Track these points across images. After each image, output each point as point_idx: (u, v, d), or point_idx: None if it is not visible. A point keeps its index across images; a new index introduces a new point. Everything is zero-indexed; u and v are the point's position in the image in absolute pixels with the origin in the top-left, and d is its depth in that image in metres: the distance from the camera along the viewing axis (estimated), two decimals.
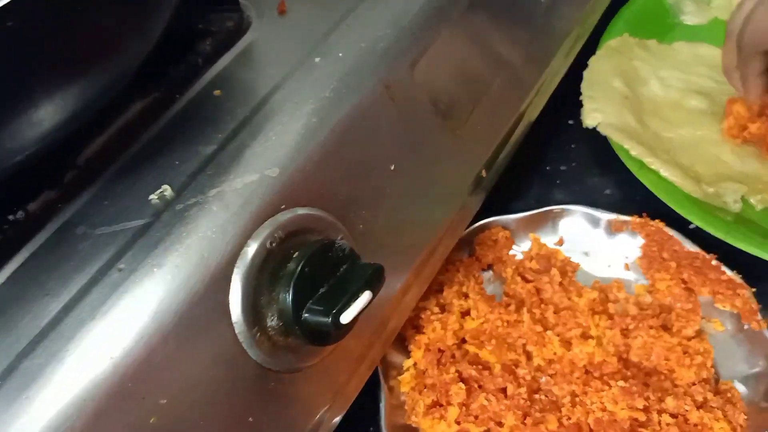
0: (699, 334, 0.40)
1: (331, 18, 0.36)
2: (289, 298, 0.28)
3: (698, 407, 0.35)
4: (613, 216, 0.44)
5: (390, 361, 0.41)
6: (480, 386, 0.37)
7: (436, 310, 0.41)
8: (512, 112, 0.44)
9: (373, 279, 0.29)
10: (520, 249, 0.46)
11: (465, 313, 0.41)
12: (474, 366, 0.38)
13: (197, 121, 0.31)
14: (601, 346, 0.38)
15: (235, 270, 0.28)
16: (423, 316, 0.41)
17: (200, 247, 0.27)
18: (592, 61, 0.52)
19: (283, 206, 0.29)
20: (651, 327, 0.39)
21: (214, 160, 0.30)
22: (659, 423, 0.35)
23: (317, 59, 0.33)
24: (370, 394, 0.39)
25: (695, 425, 0.35)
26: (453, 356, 0.39)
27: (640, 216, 0.44)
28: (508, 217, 0.46)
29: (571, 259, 0.45)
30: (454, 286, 0.42)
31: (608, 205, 0.49)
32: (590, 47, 0.54)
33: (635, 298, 0.41)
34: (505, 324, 0.40)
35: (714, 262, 0.41)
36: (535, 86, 0.47)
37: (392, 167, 0.35)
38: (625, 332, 0.39)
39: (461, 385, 0.36)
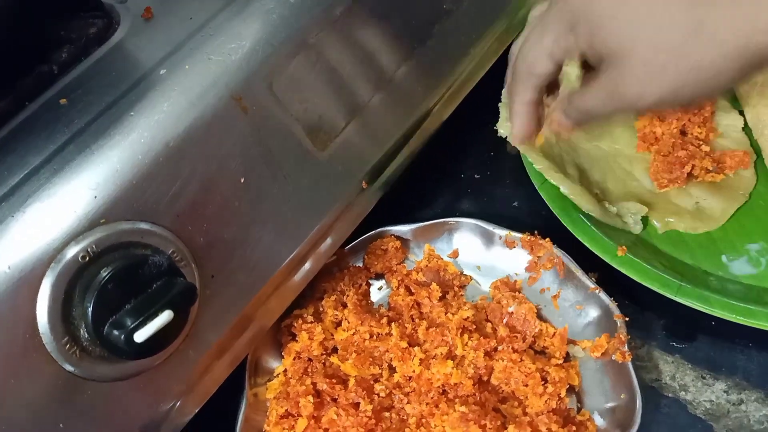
0: (570, 360, 0.39)
1: (192, 26, 0.35)
2: (90, 311, 0.28)
3: None
4: (505, 231, 0.43)
5: (264, 366, 0.41)
6: (334, 400, 0.37)
7: (310, 318, 0.41)
8: (407, 117, 0.43)
9: (178, 298, 0.29)
10: (415, 259, 0.45)
11: (339, 323, 0.41)
12: (330, 379, 0.38)
13: (36, 130, 0.32)
14: (461, 367, 0.38)
15: (44, 282, 0.29)
16: (296, 323, 0.41)
17: (7, 260, 0.28)
18: None
19: (102, 220, 0.30)
20: (515, 350, 0.38)
21: (39, 172, 0.30)
22: None
23: (162, 71, 0.33)
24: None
25: None
26: (316, 367, 0.39)
27: (532, 233, 0.43)
28: (402, 227, 0.45)
29: (463, 273, 0.44)
30: (335, 294, 0.42)
31: (512, 218, 0.48)
32: None
33: (512, 317, 0.41)
34: (375, 337, 0.40)
35: (592, 286, 0.39)
36: (442, 85, 0.45)
37: (242, 180, 0.35)
38: (491, 354, 0.38)
39: (310, 398, 0.37)
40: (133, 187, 0.31)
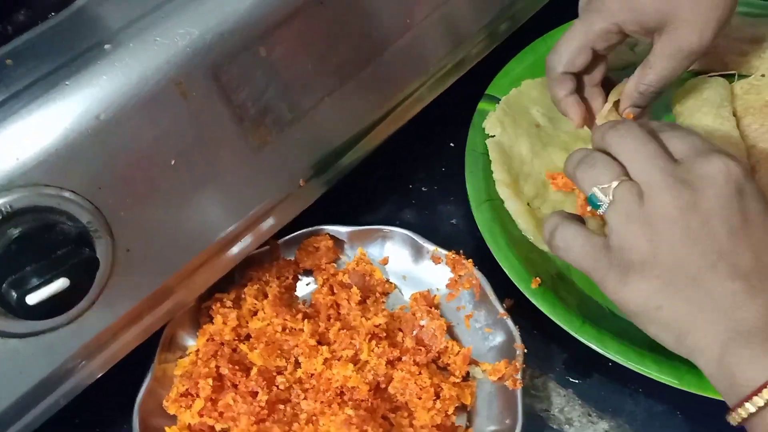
0: (469, 380, 0.40)
1: (148, 6, 0.36)
2: None
3: None
4: (434, 247, 0.44)
5: (179, 342, 0.42)
6: (235, 386, 0.39)
7: (229, 303, 0.42)
8: (355, 124, 0.44)
9: (77, 268, 0.30)
10: (347, 261, 0.46)
11: (257, 313, 0.42)
12: (234, 365, 0.39)
13: None
14: (362, 372, 0.39)
15: None
16: (214, 306, 0.42)
17: None
18: (527, 83, 0.51)
19: (21, 183, 0.31)
20: (416, 363, 0.39)
21: None
22: None
23: (107, 46, 0.34)
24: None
25: None
26: (225, 352, 0.40)
27: (457, 252, 0.44)
28: (339, 228, 0.46)
29: (388, 280, 0.45)
30: (258, 283, 0.43)
31: (448, 234, 0.49)
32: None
33: (422, 331, 0.42)
34: (288, 331, 0.41)
35: (501, 311, 0.41)
36: (393, 99, 0.46)
37: (172, 162, 0.36)
38: (393, 363, 0.40)
39: (210, 380, 0.38)
40: (57, 154, 0.32)
